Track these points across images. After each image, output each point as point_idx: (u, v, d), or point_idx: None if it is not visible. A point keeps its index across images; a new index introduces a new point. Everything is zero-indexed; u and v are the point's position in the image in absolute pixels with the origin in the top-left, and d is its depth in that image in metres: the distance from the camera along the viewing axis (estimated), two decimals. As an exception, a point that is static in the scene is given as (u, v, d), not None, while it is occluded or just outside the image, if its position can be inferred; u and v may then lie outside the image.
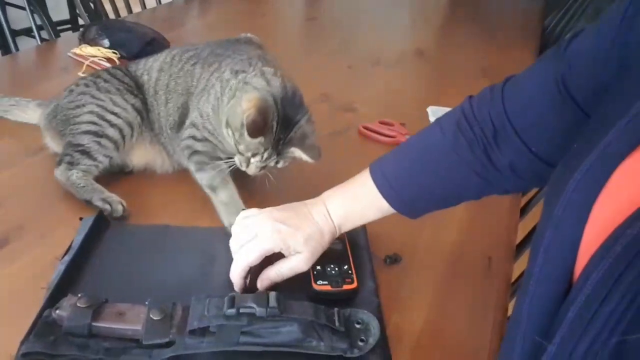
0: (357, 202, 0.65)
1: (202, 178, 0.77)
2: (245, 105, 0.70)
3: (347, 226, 0.65)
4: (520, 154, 0.58)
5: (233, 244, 0.62)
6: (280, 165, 0.76)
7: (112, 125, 0.79)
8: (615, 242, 0.34)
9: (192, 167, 0.79)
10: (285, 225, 0.61)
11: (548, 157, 0.57)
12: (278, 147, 0.73)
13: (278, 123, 0.71)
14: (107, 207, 0.72)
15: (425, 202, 0.65)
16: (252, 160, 0.73)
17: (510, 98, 0.59)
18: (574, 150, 0.44)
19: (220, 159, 0.78)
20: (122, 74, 0.86)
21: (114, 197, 0.73)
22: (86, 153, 0.77)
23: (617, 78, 0.46)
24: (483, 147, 0.59)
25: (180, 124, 0.82)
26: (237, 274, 0.61)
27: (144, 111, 0.84)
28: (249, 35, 0.94)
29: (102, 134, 0.78)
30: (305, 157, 0.74)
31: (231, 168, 0.77)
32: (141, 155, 0.84)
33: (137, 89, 0.85)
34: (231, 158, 0.77)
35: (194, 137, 0.79)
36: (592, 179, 0.38)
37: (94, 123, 0.79)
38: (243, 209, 0.69)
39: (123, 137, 0.80)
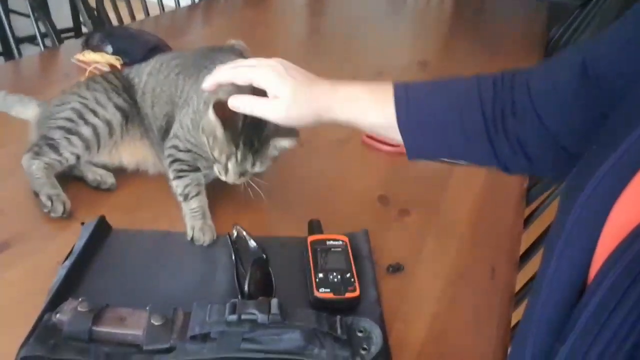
0: (367, 93, 0.62)
1: (178, 185, 0.77)
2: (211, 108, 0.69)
3: (340, 111, 0.61)
4: (534, 130, 0.57)
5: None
6: (257, 168, 0.72)
7: (87, 123, 0.79)
8: (628, 248, 0.34)
9: (170, 175, 0.79)
10: (284, 70, 0.60)
11: (564, 140, 0.56)
12: (253, 146, 0.70)
13: (245, 120, 0.68)
14: (49, 203, 0.71)
15: (431, 131, 0.62)
16: (229, 165, 0.71)
17: (535, 79, 0.59)
18: (591, 154, 0.44)
19: (199, 170, 0.79)
20: (114, 77, 0.88)
21: (60, 196, 0.73)
22: (53, 147, 0.77)
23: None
24: (502, 108, 0.59)
25: (166, 131, 0.83)
26: (216, 77, 0.65)
27: (131, 110, 0.84)
28: (233, 42, 0.94)
29: (74, 131, 0.78)
30: (285, 142, 0.71)
31: (211, 178, 0.78)
32: (131, 153, 0.84)
33: (125, 90, 0.85)
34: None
35: (176, 147, 0.80)
36: (609, 185, 0.38)
37: (70, 120, 0.80)
38: (209, 219, 0.73)
39: (97, 135, 0.79)
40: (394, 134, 0.63)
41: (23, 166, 0.76)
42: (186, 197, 0.76)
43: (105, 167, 0.83)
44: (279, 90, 0.61)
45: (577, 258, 0.39)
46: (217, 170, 0.73)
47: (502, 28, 1.98)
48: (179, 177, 0.78)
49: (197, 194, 0.76)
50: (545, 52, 1.76)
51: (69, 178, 0.79)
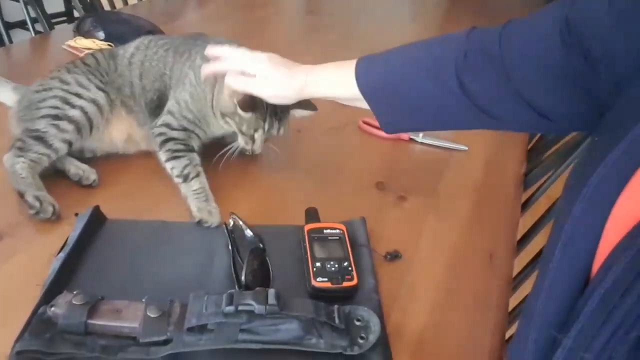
0: (334, 68, 0.69)
1: (175, 167, 0.77)
2: (227, 91, 0.76)
3: (317, 88, 0.70)
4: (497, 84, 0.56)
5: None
6: (282, 132, 0.80)
7: (74, 107, 0.78)
8: (638, 235, 0.34)
9: (163, 156, 0.79)
10: (269, 59, 0.71)
11: (540, 106, 0.55)
12: (277, 115, 0.78)
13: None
14: (37, 204, 0.68)
15: (392, 91, 0.65)
16: (256, 135, 0.78)
17: (510, 36, 0.57)
18: (596, 143, 0.43)
19: (193, 150, 0.80)
20: (91, 57, 0.87)
21: (47, 197, 0.69)
22: (40, 139, 0.74)
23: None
24: (466, 64, 0.59)
25: (157, 107, 0.83)
26: (212, 67, 0.74)
27: (111, 88, 0.83)
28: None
29: (62, 116, 0.76)
30: (307, 112, 0.80)
31: (234, 153, 0.81)
32: (120, 130, 0.83)
33: (102, 66, 0.85)
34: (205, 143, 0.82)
35: (168, 125, 0.80)
36: (617, 173, 0.38)
37: (55, 107, 0.77)
38: (213, 200, 0.74)
39: (86, 115, 0.78)
40: (363, 104, 0.68)
41: (5, 165, 0.72)
42: (186, 178, 0.75)
43: (96, 152, 0.82)
44: (266, 73, 0.70)
45: (582, 249, 0.39)
46: (243, 141, 0.79)
47: (499, 11, 1.96)
48: (175, 158, 0.77)
49: (197, 175, 0.76)
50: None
51: (58, 171, 0.77)
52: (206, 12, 1.59)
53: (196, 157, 0.79)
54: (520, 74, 0.55)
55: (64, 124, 0.76)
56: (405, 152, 0.96)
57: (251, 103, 0.75)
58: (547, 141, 1.18)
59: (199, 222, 0.71)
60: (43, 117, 0.77)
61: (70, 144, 0.76)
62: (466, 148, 0.98)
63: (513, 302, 0.78)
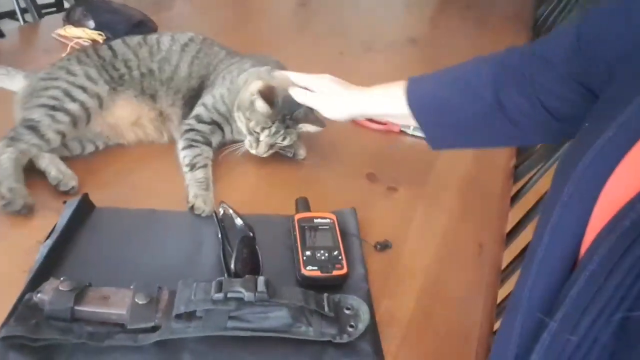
0: (385, 88, 0.75)
1: (187, 155, 0.79)
2: (253, 87, 0.80)
3: (366, 106, 0.77)
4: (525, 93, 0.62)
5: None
6: (287, 141, 0.82)
7: (75, 100, 0.77)
8: (624, 217, 0.34)
9: (181, 143, 0.81)
10: (331, 79, 0.79)
11: (549, 103, 0.60)
12: (285, 122, 0.80)
13: (283, 101, 0.80)
14: (9, 196, 0.66)
15: (438, 107, 0.70)
16: (262, 136, 0.80)
17: (534, 52, 0.63)
18: (585, 129, 0.44)
19: (210, 144, 0.82)
20: (109, 50, 0.87)
21: (21, 191, 0.68)
22: (33, 128, 0.73)
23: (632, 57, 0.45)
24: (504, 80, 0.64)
25: (194, 97, 0.86)
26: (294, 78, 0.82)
27: (133, 73, 0.85)
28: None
29: (59, 107, 0.76)
30: (313, 128, 0.83)
31: (238, 150, 0.83)
32: (129, 112, 0.84)
33: (121, 56, 0.86)
34: (225, 144, 0.84)
35: (198, 117, 0.83)
36: (604, 158, 0.38)
37: (55, 98, 0.77)
38: (212, 192, 0.75)
39: (87, 111, 0.78)
40: (411, 121, 0.73)
41: None
42: (193, 167, 0.77)
43: (95, 140, 0.81)
44: (324, 88, 0.78)
45: (570, 232, 0.39)
46: (248, 143, 0.82)
47: (491, 5, 1.96)
48: (190, 147, 0.80)
49: (204, 166, 0.78)
50: (533, 30, 1.75)
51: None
52: (198, 2, 1.57)
53: (209, 151, 0.81)
54: (541, 81, 0.61)
55: (60, 115, 0.75)
56: (396, 144, 0.96)
57: (269, 97, 0.78)
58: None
59: (192, 208, 0.71)
60: (40, 106, 0.76)
61: (63, 135, 0.75)
62: (457, 140, 0.98)
63: (501, 294, 0.79)
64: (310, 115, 0.82)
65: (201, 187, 0.74)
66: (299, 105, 0.80)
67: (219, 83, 0.86)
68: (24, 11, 1.43)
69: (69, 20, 1.17)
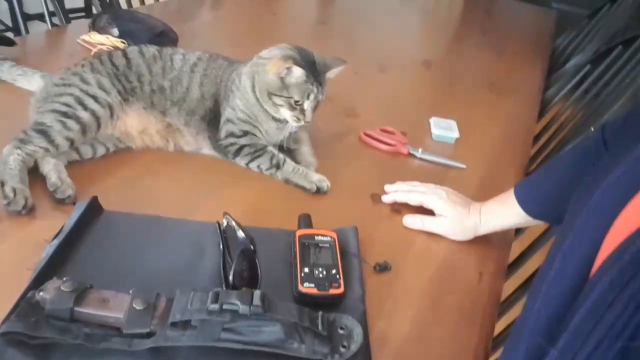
0: (501, 204, 0.77)
1: (261, 163, 0.85)
2: (274, 67, 0.82)
3: (490, 224, 0.77)
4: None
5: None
6: (324, 96, 0.86)
7: (86, 109, 0.79)
8: (625, 251, 0.35)
9: (242, 161, 0.86)
10: (447, 196, 0.80)
11: None
12: (318, 79, 0.84)
13: (305, 62, 0.83)
14: (11, 195, 0.68)
15: (550, 202, 0.71)
16: (306, 104, 0.84)
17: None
18: (604, 164, 0.45)
19: (265, 145, 0.87)
20: (123, 59, 0.88)
21: (24, 191, 0.69)
22: (43, 133, 0.75)
23: None
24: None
25: (214, 115, 0.88)
26: (393, 196, 0.84)
27: (140, 85, 0.86)
28: None
29: (71, 114, 0.78)
30: (338, 69, 0.88)
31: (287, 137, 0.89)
32: (137, 122, 0.86)
33: (134, 66, 0.87)
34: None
35: (232, 134, 0.86)
36: (617, 192, 0.39)
37: (67, 105, 0.79)
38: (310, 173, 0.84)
39: (97, 119, 0.80)
40: (538, 222, 0.75)
41: (2, 154, 0.73)
42: (278, 166, 0.85)
43: (106, 143, 0.83)
44: (445, 212, 0.79)
45: (580, 260, 0.40)
46: (293, 119, 0.85)
47: (509, 32, 1.97)
48: (258, 157, 0.86)
49: (285, 160, 0.85)
50: (550, 60, 1.76)
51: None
52: (219, 15, 1.61)
53: (272, 149, 0.87)
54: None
55: (70, 123, 0.77)
56: (403, 166, 0.96)
57: (299, 63, 0.82)
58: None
59: (318, 190, 0.83)
60: (53, 111, 0.78)
61: (72, 142, 0.77)
62: (464, 166, 0.99)
63: (501, 326, 0.78)
64: (328, 60, 0.87)
65: (304, 173, 0.84)
66: (317, 58, 0.85)
67: (231, 97, 0.88)
68: (52, 14, 1.48)
69: (95, 27, 1.20)
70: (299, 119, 0.85)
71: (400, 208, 0.84)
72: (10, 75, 0.95)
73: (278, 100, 0.84)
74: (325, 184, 0.84)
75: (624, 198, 0.39)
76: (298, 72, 0.81)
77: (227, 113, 0.87)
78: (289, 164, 0.85)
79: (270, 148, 0.87)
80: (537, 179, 0.77)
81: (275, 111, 0.85)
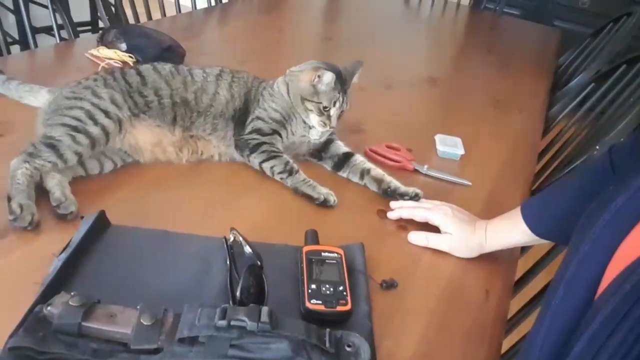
0: (508, 222, 0.77)
1: (275, 165, 0.87)
2: (304, 76, 0.92)
3: (495, 242, 0.77)
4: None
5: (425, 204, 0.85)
6: (347, 106, 0.94)
7: (97, 123, 0.79)
8: (625, 280, 0.35)
9: (258, 158, 0.88)
10: (452, 213, 0.80)
11: None
12: (343, 87, 0.93)
13: (334, 71, 0.91)
14: (18, 211, 0.67)
15: (557, 221, 0.72)
16: (332, 110, 0.92)
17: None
18: (608, 191, 0.45)
19: (281, 151, 0.91)
20: (137, 76, 0.89)
21: (31, 207, 0.69)
22: (52, 147, 0.75)
23: None
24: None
25: (241, 115, 0.92)
26: (399, 213, 0.84)
27: (165, 101, 0.88)
28: None
29: (81, 129, 0.78)
30: (358, 74, 0.97)
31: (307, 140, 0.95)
32: (150, 134, 0.86)
33: (146, 87, 0.88)
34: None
35: (259, 131, 0.90)
36: (621, 219, 0.40)
37: (78, 119, 0.79)
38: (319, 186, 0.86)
39: (107, 134, 0.80)
40: (543, 241, 0.75)
41: (10, 167, 0.73)
42: (291, 173, 0.87)
43: (114, 158, 0.84)
44: (450, 229, 0.79)
45: (584, 287, 0.40)
46: (319, 123, 0.92)
47: (514, 49, 1.99)
48: (274, 157, 0.88)
49: (298, 169, 0.88)
50: (554, 77, 1.77)
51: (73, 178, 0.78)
52: (226, 31, 1.63)
53: (287, 157, 0.89)
54: None
55: (80, 137, 0.77)
56: (409, 183, 0.96)
57: (331, 69, 0.91)
58: (552, 181, 1.18)
59: (324, 202, 0.84)
60: (62, 125, 0.78)
61: (80, 156, 0.77)
62: (470, 183, 0.99)
63: (507, 344, 0.78)
64: (349, 67, 0.96)
65: (313, 185, 0.85)
66: (342, 69, 0.93)
67: (260, 99, 0.94)
68: (60, 27, 1.50)
69: (103, 41, 1.22)
70: (325, 123, 0.91)
71: (406, 225, 0.84)
72: (17, 92, 0.95)
73: (309, 105, 0.91)
74: (333, 197, 0.85)
75: (627, 226, 0.39)
76: (328, 77, 0.89)
77: (257, 112, 0.92)
78: (301, 174, 0.87)
79: (285, 155, 0.89)
80: (544, 198, 0.77)
81: (306, 116, 0.92)
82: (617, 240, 0.39)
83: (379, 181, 0.90)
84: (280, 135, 0.92)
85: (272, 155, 0.88)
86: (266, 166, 0.88)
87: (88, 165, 0.81)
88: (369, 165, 0.93)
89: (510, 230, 0.76)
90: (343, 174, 0.94)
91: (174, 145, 0.88)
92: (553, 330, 0.42)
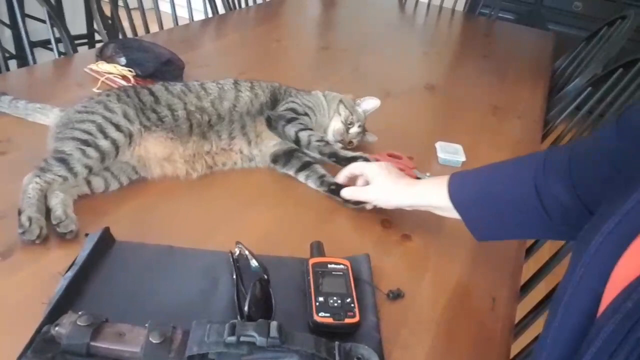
0: (433, 181, 0.80)
1: (312, 134, 0.92)
2: (350, 96, 1.06)
3: (414, 199, 0.80)
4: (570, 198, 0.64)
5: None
6: (355, 142, 1.04)
7: (107, 137, 0.80)
8: (627, 298, 0.35)
9: (293, 129, 0.92)
10: (381, 167, 0.83)
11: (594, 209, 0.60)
12: (359, 123, 1.03)
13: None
14: (27, 224, 0.68)
15: (484, 206, 0.72)
16: (352, 129, 1.01)
17: (577, 156, 0.66)
18: (600, 212, 0.45)
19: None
20: (150, 96, 0.90)
21: (40, 221, 0.69)
22: (63, 161, 0.76)
23: None
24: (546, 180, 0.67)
25: (272, 103, 0.99)
26: (345, 171, 0.89)
27: (162, 120, 0.88)
28: None
29: (91, 142, 0.78)
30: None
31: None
32: (161, 147, 0.86)
33: (160, 105, 0.89)
34: None
35: (294, 110, 0.96)
36: (614, 240, 0.40)
37: (89, 133, 0.79)
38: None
39: (117, 148, 0.81)
40: (456, 214, 0.75)
41: (23, 183, 0.74)
42: (320, 139, 0.92)
43: (123, 169, 0.83)
44: (377, 179, 0.83)
45: (581, 311, 0.40)
46: (341, 129, 1.00)
47: (509, 54, 2.00)
48: (305, 130, 0.93)
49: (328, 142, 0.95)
50: (550, 81, 1.78)
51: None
52: (224, 43, 1.63)
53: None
54: (584, 186, 0.63)
55: (90, 151, 0.78)
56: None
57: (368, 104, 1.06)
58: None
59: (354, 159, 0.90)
60: (73, 139, 0.79)
61: (90, 169, 0.78)
62: (472, 190, 0.99)
63: (516, 348, 0.77)
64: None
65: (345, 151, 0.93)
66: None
67: (289, 97, 1.01)
68: (57, 41, 1.50)
69: (102, 56, 1.22)
70: (342, 133, 0.98)
71: (411, 234, 0.84)
72: (25, 111, 0.94)
73: (341, 109, 0.99)
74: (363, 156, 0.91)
75: (619, 249, 0.39)
76: (374, 102, 1.03)
77: (291, 99, 0.99)
78: (327, 148, 0.92)
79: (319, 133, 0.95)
80: (475, 173, 0.77)
81: (332, 117, 0.99)
82: (610, 263, 0.39)
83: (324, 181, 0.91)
84: (311, 118, 0.97)
85: (308, 128, 0.93)
86: (303, 135, 0.91)
87: (94, 184, 0.80)
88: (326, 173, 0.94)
89: (431, 191, 0.78)
90: (301, 177, 0.93)
91: (186, 159, 0.88)
92: (555, 353, 0.42)
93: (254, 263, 0.68)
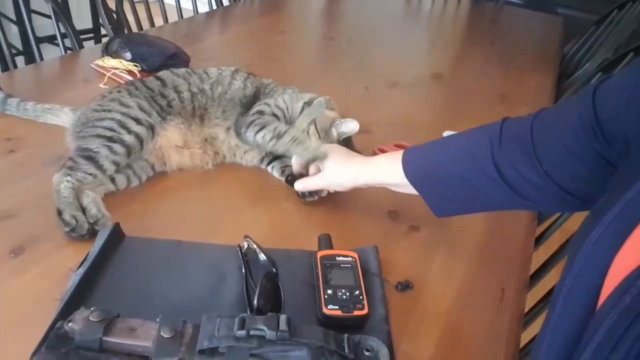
0: (387, 158, 0.76)
1: (265, 134, 0.87)
2: (333, 113, 0.94)
3: (368, 176, 0.77)
4: (536, 176, 0.61)
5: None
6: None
7: (130, 132, 0.81)
8: (625, 292, 0.35)
9: (251, 132, 0.88)
10: (334, 148, 0.82)
11: (567, 186, 0.59)
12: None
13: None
14: (73, 222, 0.70)
15: (439, 181, 0.70)
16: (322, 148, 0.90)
17: (539, 137, 0.62)
18: (600, 203, 0.44)
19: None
20: (156, 81, 0.92)
21: (83, 217, 0.72)
22: (91, 159, 0.77)
23: None
24: (505, 156, 0.64)
25: (248, 102, 0.94)
26: (300, 159, 0.85)
27: (184, 97, 0.91)
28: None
29: (116, 139, 0.79)
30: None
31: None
32: (176, 134, 0.88)
33: (167, 88, 0.91)
34: None
35: (260, 112, 0.91)
36: (613, 232, 0.39)
37: (112, 129, 0.80)
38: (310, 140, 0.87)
39: (141, 142, 0.82)
40: (412, 190, 0.74)
41: (53, 183, 0.75)
42: (279, 136, 0.86)
43: (138, 171, 0.84)
44: (326, 164, 0.81)
45: (581, 303, 0.40)
46: (300, 149, 0.88)
47: (517, 40, 1.97)
48: (263, 127, 0.87)
49: (287, 130, 0.87)
50: (559, 68, 1.75)
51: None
52: (229, 35, 1.63)
53: (283, 123, 0.89)
54: (550, 159, 0.60)
55: (116, 147, 0.79)
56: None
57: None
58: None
59: (315, 158, 0.83)
60: (97, 136, 0.80)
61: (118, 165, 0.79)
62: (480, 180, 0.98)
63: (525, 337, 0.77)
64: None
65: (301, 140, 0.85)
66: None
67: (269, 95, 0.96)
68: (63, 36, 1.50)
69: (108, 51, 1.22)
70: (302, 152, 0.85)
71: (419, 225, 0.84)
72: (34, 113, 0.95)
73: (312, 130, 0.89)
74: (323, 150, 0.83)
75: (618, 240, 0.39)
76: (354, 125, 0.89)
77: (267, 100, 0.94)
78: (289, 134, 0.86)
79: (279, 121, 0.90)
80: (429, 147, 0.74)
81: (303, 129, 0.90)
82: (609, 255, 0.39)
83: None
84: (279, 119, 0.91)
85: (263, 126, 0.87)
86: (258, 138, 0.87)
87: (117, 181, 0.82)
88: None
89: (385, 167, 0.75)
90: (269, 169, 0.93)
91: (199, 145, 0.90)
92: (553, 346, 0.42)
93: (262, 256, 0.68)
